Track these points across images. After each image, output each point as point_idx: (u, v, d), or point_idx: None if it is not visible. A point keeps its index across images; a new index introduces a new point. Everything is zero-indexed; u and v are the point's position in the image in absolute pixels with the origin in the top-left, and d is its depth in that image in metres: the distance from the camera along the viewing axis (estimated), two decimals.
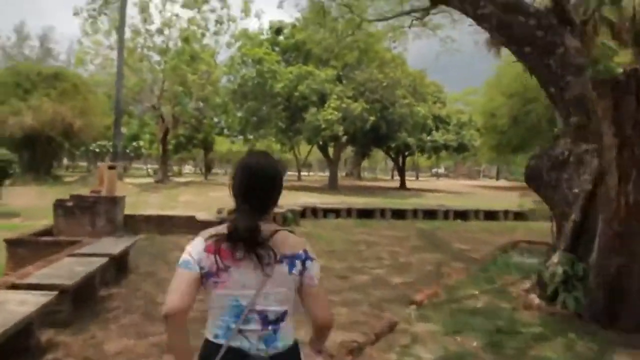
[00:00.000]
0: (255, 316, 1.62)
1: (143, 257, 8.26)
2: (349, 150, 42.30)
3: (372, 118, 24.65)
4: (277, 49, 29.72)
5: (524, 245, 10.57)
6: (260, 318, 1.62)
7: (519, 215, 16.99)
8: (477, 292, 5.94)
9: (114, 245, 6.49)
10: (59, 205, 7.89)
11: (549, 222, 15.34)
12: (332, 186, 29.48)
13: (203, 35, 29.93)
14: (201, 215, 11.60)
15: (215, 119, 37.83)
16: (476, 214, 16.56)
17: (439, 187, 39.00)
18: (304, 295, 1.70)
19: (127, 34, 27.61)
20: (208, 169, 50.61)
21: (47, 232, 7.91)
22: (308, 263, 1.69)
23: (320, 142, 28.15)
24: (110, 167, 17.44)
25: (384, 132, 28.67)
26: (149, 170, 51.44)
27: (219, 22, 28.75)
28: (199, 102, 34.63)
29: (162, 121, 29.68)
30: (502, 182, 55.97)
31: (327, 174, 79.67)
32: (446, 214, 16.22)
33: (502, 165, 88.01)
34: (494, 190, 38.37)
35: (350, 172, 58.93)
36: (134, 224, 10.40)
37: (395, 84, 25.77)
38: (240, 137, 35.70)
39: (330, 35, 18.94)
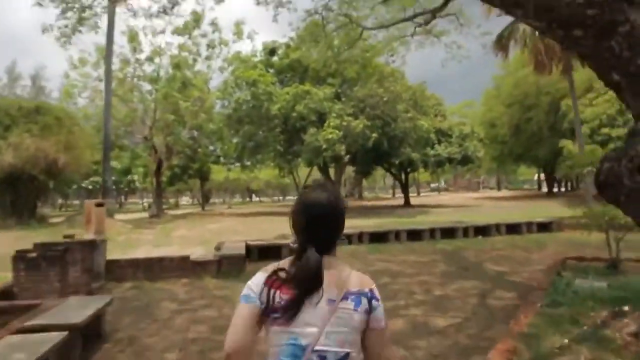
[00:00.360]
0: (314, 357, 1.47)
1: (125, 314, 6.68)
2: (349, 170, 40.93)
3: (374, 135, 23.29)
4: (271, 70, 28.52)
5: (572, 262, 8.99)
6: (320, 359, 1.47)
7: (543, 227, 15.52)
8: (566, 341, 4.38)
9: (82, 309, 4.93)
10: (19, 257, 6.33)
11: (575, 233, 13.80)
12: None
13: (195, 60, 28.80)
14: (196, 254, 10.06)
15: (211, 147, 36.41)
16: (497, 228, 15.04)
17: (444, 201, 37.48)
18: (369, 336, 1.55)
19: (116, 64, 26.48)
20: (205, 199, 49.16)
21: (5, 292, 6.33)
22: (374, 303, 1.56)
23: (321, 164, 26.72)
24: (98, 205, 15.80)
25: (386, 149, 27.31)
26: (145, 204, 49.84)
27: (210, 46, 27.63)
28: (192, 131, 33.39)
29: (155, 152, 28.24)
30: (504, 192, 54.59)
31: None
32: (465, 231, 14.69)
33: (501, 175, 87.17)
34: (498, 201, 36.87)
35: (350, 193, 57.45)
36: (117, 271, 8.84)
37: (396, 99, 24.51)
38: (237, 164, 34.22)
39: (327, 50, 17.89)
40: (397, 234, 14.23)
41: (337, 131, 22.65)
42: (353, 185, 58.72)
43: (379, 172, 46.14)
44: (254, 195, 79.64)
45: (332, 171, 30.62)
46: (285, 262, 1.59)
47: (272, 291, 1.52)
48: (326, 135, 22.46)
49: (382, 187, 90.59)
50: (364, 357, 1.57)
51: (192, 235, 18.68)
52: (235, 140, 29.88)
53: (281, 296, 1.50)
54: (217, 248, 10.72)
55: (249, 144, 27.43)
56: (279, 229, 18.07)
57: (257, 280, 1.57)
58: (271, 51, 28.67)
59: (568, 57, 17.36)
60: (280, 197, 74.04)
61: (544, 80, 34.83)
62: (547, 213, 21.53)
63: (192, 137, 34.13)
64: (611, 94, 22.67)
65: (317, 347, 1.47)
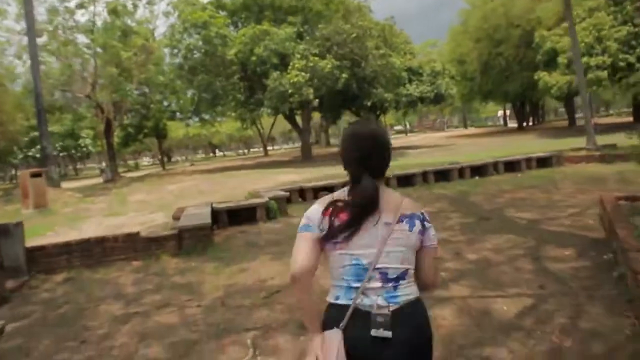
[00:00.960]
0: (376, 274, 1.58)
1: (45, 331, 4.51)
2: (315, 117, 38.56)
3: (343, 75, 20.95)
4: (223, 12, 25.25)
5: (623, 203, 7.12)
6: (381, 276, 1.58)
7: (542, 162, 13.95)
8: None
9: None
10: None
11: (580, 166, 12.18)
12: (306, 157, 25.83)
13: (135, 6, 25.21)
14: (149, 227, 7.85)
15: (165, 102, 33.12)
16: (495, 166, 13.37)
17: (416, 142, 35.87)
18: (423, 254, 1.68)
19: (43, 14, 22.76)
20: (168, 157, 46.13)
21: None
22: (427, 224, 1.68)
23: (287, 111, 24.27)
24: (35, 175, 13.07)
25: (355, 91, 25.06)
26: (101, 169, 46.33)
27: None
28: (142, 86, 30.03)
29: (101, 112, 25.06)
30: (471, 130, 53.65)
31: (292, 146, 76.37)
32: (461, 172, 12.97)
33: (465, 113, 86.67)
34: (471, 138, 35.59)
35: (316, 140, 55.11)
36: (44, 261, 6.55)
37: (365, 35, 22.01)
38: (196, 118, 31.27)
39: None
40: (386, 181, 12.31)
41: (303, 73, 20.16)
42: (318, 132, 56.39)
43: (346, 116, 43.97)
44: (217, 150, 76.43)
45: (298, 119, 28.21)
46: (339, 194, 1.68)
47: (331, 218, 1.59)
48: (291, 79, 19.96)
49: None
50: (417, 273, 1.68)
51: (150, 199, 16.26)
52: (190, 92, 26.92)
53: (342, 220, 1.58)
54: (176, 217, 8.48)
55: (206, 96, 24.58)
56: (248, 185, 15.88)
57: (314, 211, 1.66)
58: None
59: None
60: (245, 150, 71.19)
61: (514, 12, 32.90)
62: (529, 147, 20.12)
63: (142, 93, 30.81)
64: (589, 21, 20.79)
65: (378, 265, 1.57)
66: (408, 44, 30.29)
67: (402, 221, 1.61)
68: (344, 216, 1.58)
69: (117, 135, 33.61)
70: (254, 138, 57.39)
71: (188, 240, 6.97)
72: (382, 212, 1.59)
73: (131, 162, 54.97)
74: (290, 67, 20.57)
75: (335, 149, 39.73)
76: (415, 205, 1.68)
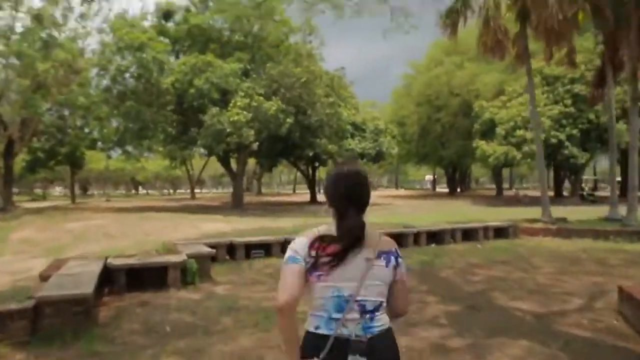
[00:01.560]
0: (355, 306, 1.66)
1: None
2: (250, 163, 36.36)
3: (288, 120, 19.23)
4: (165, 39, 22.97)
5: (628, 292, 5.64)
6: (360, 307, 1.67)
7: (499, 232, 12.67)
8: None
9: None
10: None
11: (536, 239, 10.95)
12: (237, 204, 23.36)
13: (65, 17, 22.37)
14: (17, 281, 5.26)
15: (86, 129, 29.49)
16: (452, 234, 11.84)
17: None
18: (396, 286, 1.79)
19: None
20: (84, 190, 41.40)
21: None
22: (399, 260, 1.80)
23: (221, 153, 21.95)
24: None
25: (296, 140, 23.41)
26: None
27: (86, 0, 21.50)
28: (62, 108, 26.59)
29: (4, 129, 21.35)
30: (403, 192, 53.75)
31: (222, 190, 72.84)
32: (416, 238, 11.28)
33: (393, 175, 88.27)
34: (406, 199, 34.95)
35: (247, 188, 52.49)
36: None
37: (315, 81, 20.64)
38: (118, 149, 27.93)
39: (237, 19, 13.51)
40: None
41: (245, 112, 18.17)
42: (250, 179, 53.94)
43: (281, 166, 42.20)
44: (140, 188, 71.11)
45: (232, 162, 25.85)
46: (325, 229, 1.73)
47: (317, 252, 1.66)
48: (231, 117, 17.88)
49: (279, 183, 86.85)
50: (390, 302, 1.80)
51: (40, 238, 13.05)
52: (115, 121, 23.92)
53: (327, 254, 1.66)
54: (45, 276, 5.83)
55: (132, 126, 21.72)
56: (166, 231, 13.22)
57: (301, 244, 1.70)
58: (166, 14, 23.09)
59: (524, 43, 14.78)
60: (171, 191, 66.70)
61: (455, 81, 33.57)
62: (467, 214, 19.22)
63: (60, 116, 27.25)
64: (525, 96, 20.76)
65: (358, 298, 1.67)
66: (353, 98, 29.48)
67: (380, 257, 1.72)
68: (330, 250, 1.66)
69: (22, 159, 29.32)
70: (182, 178, 53.77)
71: (51, 320, 4.43)
72: (362, 247, 1.68)
73: (38, 191, 48.98)
74: (231, 105, 18.53)
75: (267, 198, 37.50)
76: (390, 242, 1.80)
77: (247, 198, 29.21)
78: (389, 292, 1.76)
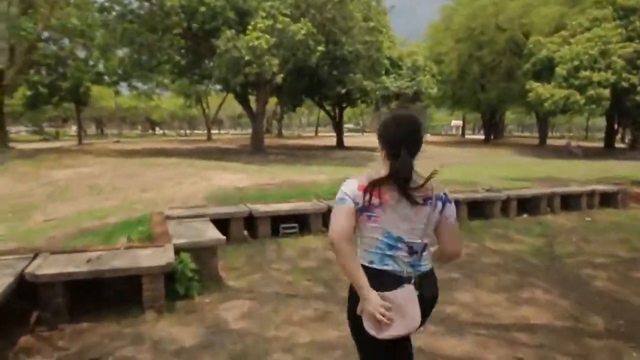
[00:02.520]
0: (404, 247, 1.80)
1: None
2: (270, 102, 32.77)
3: (319, 48, 15.49)
4: None
5: None
6: (408, 248, 1.80)
7: (606, 199, 9.32)
8: None
9: None
10: None
11: None
12: (257, 148, 20.15)
13: None
14: None
15: (91, 62, 26.07)
16: (550, 201, 8.55)
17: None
18: (442, 229, 1.89)
19: None
20: (100, 130, 38.58)
21: None
22: (447, 204, 1.87)
23: (238, 88, 18.47)
24: None
25: (324, 75, 19.75)
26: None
27: None
28: (60, 35, 23.08)
29: None
30: (428, 137, 49.70)
31: (241, 132, 69.33)
32: (505, 206, 8.03)
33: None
34: (442, 146, 31.26)
35: (267, 129, 48.86)
36: None
37: (350, 2, 16.63)
38: (124, 83, 24.63)
39: None
40: None
41: (267, 36, 14.49)
42: (270, 120, 50.30)
43: (304, 107, 38.53)
44: (157, 128, 68.24)
45: (251, 100, 22.38)
46: (374, 172, 1.83)
47: (367, 195, 1.75)
48: (251, 41, 14.22)
49: (299, 125, 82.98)
50: (439, 245, 1.94)
51: (8, 193, 10.14)
52: (121, 49, 20.38)
53: (379, 197, 1.76)
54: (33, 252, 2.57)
55: (136, 56, 18.23)
56: (169, 185, 10.20)
57: (351, 187, 1.80)
58: None
59: None
60: (188, 131, 63.65)
61: (505, 14, 28.72)
62: (528, 168, 15.81)
63: (59, 46, 23.80)
64: (595, 31, 16.02)
65: (406, 240, 1.80)
66: (389, 29, 25.21)
67: (427, 202, 1.80)
68: (381, 194, 1.75)
69: (22, 95, 26.29)
70: (199, 118, 50.43)
71: None
72: (412, 191, 1.76)
73: (50, 130, 46.37)
74: (250, 28, 14.83)
75: (289, 141, 34.16)
76: (439, 187, 1.86)
77: (267, 141, 25.93)
78: (438, 234, 1.89)
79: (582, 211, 8.71)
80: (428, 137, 52.77)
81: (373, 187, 1.75)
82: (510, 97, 33.04)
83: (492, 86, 32.17)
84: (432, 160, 18.22)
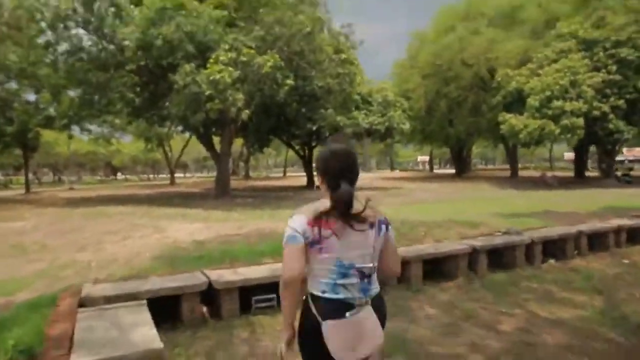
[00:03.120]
0: (355, 272, 1.86)
1: None
2: (235, 144, 31.06)
3: (288, 82, 14.03)
4: None
5: None
6: (359, 273, 1.87)
7: (632, 234, 7.94)
8: None
9: None
10: None
11: None
12: (222, 192, 18.25)
13: None
14: None
15: (42, 105, 23.78)
16: (577, 241, 7.08)
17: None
18: (385, 252, 1.98)
19: None
20: (58, 177, 35.63)
21: None
22: (389, 227, 2.00)
23: (200, 127, 16.74)
24: None
25: (292, 113, 18.38)
26: None
27: None
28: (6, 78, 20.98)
29: None
30: (399, 174, 48.95)
31: (207, 174, 66.91)
32: (529, 251, 6.47)
33: (381, 156, 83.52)
34: (413, 182, 30.05)
35: (233, 171, 46.69)
36: None
37: (320, 33, 15.45)
38: (75, 127, 22.44)
39: None
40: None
41: (230, 69, 12.93)
42: (236, 161, 48.35)
43: (270, 147, 36.97)
44: (119, 173, 65.04)
45: (217, 142, 20.62)
46: (319, 205, 1.86)
47: (316, 228, 1.81)
48: (212, 75, 12.61)
49: (266, 166, 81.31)
50: (381, 266, 1.99)
51: None
52: (69, 89, 18.37)
53: (329, 228, 1.81)
54: None
55: (89, 95, 16.31)
56: (114, 239, 8.22)
57: (299, 222, 1.83)
58: None
59: None
60: (151, 175, 60.75)
61: (469, 50, 28.50)
62: (515, 203, 14.58)
63: (2, 86, 21.60)
64: (562, 62, 15.62)
65: (357, 265, 1.86)
66: (357, 66, 24.29)
67: (372, 228, 1.89)
68: (330, 225, 1.81)
69: None
70: (163, 162, 48.05)
71: None
72: (357, 221, 1.84)
73: (2, 178, 42.92)
74: (212, 60, 13.27)
75: (256, 183, 32.29)
76: (378, 211, 1.95)
77: (234, 183, 24.06)
78: (381, 257, 1.97)
79: (611, 251, 7.28)
80: (396, 172, 52.31)
81: (321, 219, 1.79)
82: (477, 130, 32.64)
83: (460, 120, 31.72)
84: (404, 198, 16.81)
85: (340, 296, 1.82)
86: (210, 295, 4.51)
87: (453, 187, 24.10)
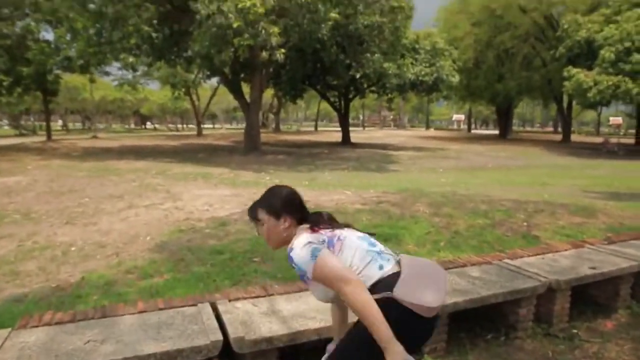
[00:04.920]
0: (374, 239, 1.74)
1: None
2: (265, 95, 28.68)
3: (332, 14, 11.43)
4: None
5: None
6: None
7: None
8: None
9: None
10: None
11: None
12: (251, 147, 16.20)
13: None
14: None
15: (58, 44, 21.77)
16: None
17: (388, 140, 27.04)
18: None
19: None
20: (86, 124, 34.27)
21: None
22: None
23: (228, 70, 14.45)
24: None
25: (331, 58, 15.83)
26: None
27: None
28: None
29: None
30: (435, 132, 45.74)
31: (236, 126, 64.69)
32: (637, 282, 4.13)
33: (415, 113, 79.44)
34: (454, 142, 27.25)
35: (263, 123, 44.30)
36: None
37: None
38: (94, 70, 20.45)
39: None
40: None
41: None
42: (266, 113, 45.97)
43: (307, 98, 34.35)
44: (149, 123, 63.74)
45: (246, 90, 18.31)
46: (305, 227, 1.70)
47: (321, 230, 1.66)
48: (241, 2, 10.14)
49: (296, 119, 78.74)
50: None
51: None
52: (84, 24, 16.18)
53: (325, 230, 1.67)
54: None
55: (101, 29, 14.14)
56: (126, 207, 6.27)
57: (307, 237, 1.62)
58: None
59: None
60: (180, 125, 59.18)
61: None
62: (589, 176, 12.00)
63: (9, 20, 19.60)
64: None
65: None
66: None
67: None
68: (325, 225, 1.69)
69: None
70: (192, 112, 46.21)
71: None
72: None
73: (28, 124, 41.96)
74: None
75: (288, 137, 30.09)
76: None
77: (264, 136, 21.86)
78: None
79: None
80: (431, 131, 49.06)
81: (317, 226, 1.68)
82: (529, 87, 29.22)
83: (511, 75, 28.28)
84: (460, 162, 14.31)
85: (395, 257, 1.66)
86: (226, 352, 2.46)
87: (505, 151, 21.34)
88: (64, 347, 2.14)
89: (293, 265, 1.59)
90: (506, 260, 3.60)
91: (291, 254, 1.58)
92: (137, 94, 38.67)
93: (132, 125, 58.44)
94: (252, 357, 2.30)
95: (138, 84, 29.36)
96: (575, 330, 3.25)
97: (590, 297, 3.74)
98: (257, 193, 6.37)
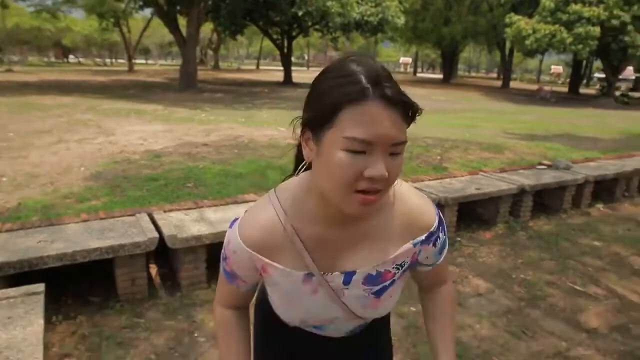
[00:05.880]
0: None
1: None
2: (204, 30, 27.84)
3: None
4: None
5: None
6: None
7: None
8: None
9: None
10: None
11: None
12: (187, 84, 16.18)
13: None
14: None
15: None
16: (628, 182, 5.87)
17: None
18: None
19: None
20: (3, 53, 31.46)
21: None
22: None
23: (162, 1, 14.07)
24: None
25: None
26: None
27: None
28: None
29: None
30: None
31: (171, 62, 62.01)
32: (577, 192, 5.21)
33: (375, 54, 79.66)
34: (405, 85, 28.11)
35: (201, 60, 42.87)
36: None
37: None
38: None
39: None
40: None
41: None
42: (204, 49, 44.56)
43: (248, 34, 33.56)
44: (71, 56, 59.52)
45: (182, 24, 17.85)
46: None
47: None
48: None
49: (236, 56, 76.36)
50: None
51: None
52: None
53: None
54: None
55: None
56: (55, 141, 6.52)
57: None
58: None
59: None
60: (108, 60, 55.92)
61: None
62: (516, 120, 13.34)
63: None
64: None
65: None
66: None
67: None
68: None
69: None
70: (122, 45, 43.76)
71: None
72: None
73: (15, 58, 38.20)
74: None
75: (227, 75, 29.62)
76: None
77: (201, 74, 21.51)
78: None
79: None
80: None
81: None
82: (474, 32, 30.33)
83: (458, 19, 29.19)
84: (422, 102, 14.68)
85: None
86: (164, 254, 3.06)
87: (445, 95, 22.51)
88: (18, 246, 2.64)
89: (438, 238, 0.95)
90: (409, 183, 4.40)
91: (441, 223, 0.97)
92: (58, 22, 36.04)
93: (53, 59, 54.42)
94: (183, 253, 2.93)
95: (59, 12, 27.46)
96: (459, 239, 4.14)
97: (477, 214, 4.66)
98: (192, 129, 7.12)
